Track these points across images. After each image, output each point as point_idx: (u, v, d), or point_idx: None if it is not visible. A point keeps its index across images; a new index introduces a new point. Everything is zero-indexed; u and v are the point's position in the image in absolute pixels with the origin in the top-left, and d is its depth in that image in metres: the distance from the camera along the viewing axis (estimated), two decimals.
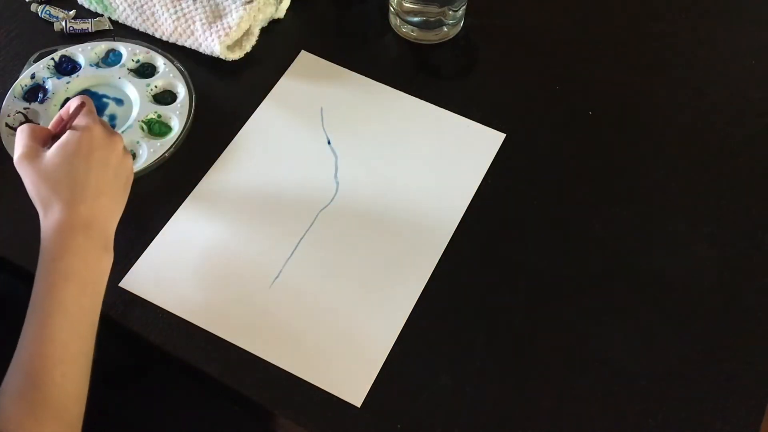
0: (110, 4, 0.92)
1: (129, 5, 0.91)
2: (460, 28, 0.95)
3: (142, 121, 0.85)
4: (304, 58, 0.92)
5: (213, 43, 0.88)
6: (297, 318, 0.75)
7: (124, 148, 0.73)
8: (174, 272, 0.77)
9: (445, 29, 0.93)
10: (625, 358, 0.74)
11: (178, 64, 0.88)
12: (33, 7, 0.94)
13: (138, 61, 0.89)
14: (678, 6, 1.00)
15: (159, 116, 0.85)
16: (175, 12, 0.89)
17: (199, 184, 0.83)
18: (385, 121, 0.88)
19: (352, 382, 0.72)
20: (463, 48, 0.95)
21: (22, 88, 0.86)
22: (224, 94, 0.90)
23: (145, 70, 0.89)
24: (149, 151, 0.82)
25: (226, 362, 0.72)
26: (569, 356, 0.74)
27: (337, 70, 0.91)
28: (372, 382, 0.72)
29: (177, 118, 0.85)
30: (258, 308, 0.75)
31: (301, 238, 0.79)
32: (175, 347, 0.73)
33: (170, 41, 0.91)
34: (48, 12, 0.93)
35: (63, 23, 0.92)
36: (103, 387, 0.67)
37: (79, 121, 0.71)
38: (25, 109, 0.84)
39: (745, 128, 0.89)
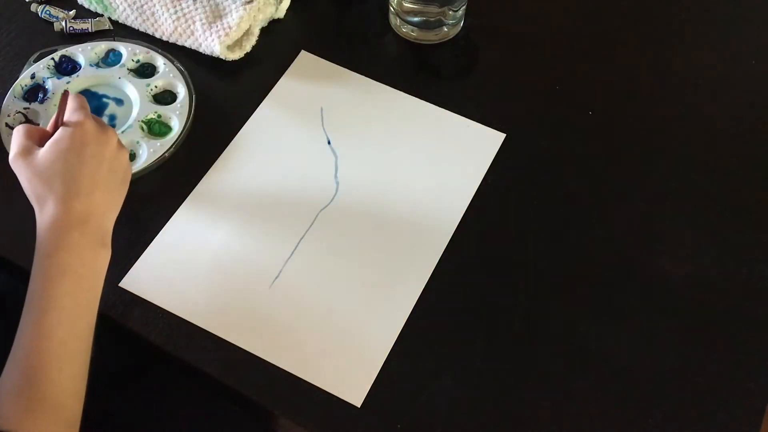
0: (110, 4, 0.92)
1: (129, 5, 0.91)
2: (460, 28, 0.95)
3: (142, 121, 0.85)
4: (304, 58, 0.92)
5: (213, 43, 0.88)
6: (297, 318, 0.75)
7: (119, 142, 0.73)
8: (174, 272, 0.77)
9: (445, 29, 0.93)
10: (625, 358, 0.74)
11: (178, 64, 0.88)
12: (33, 7, 0.94)
13: (138, 61, 0.89)
14: (678, 6, 1.00)
15: (159, 116, 0.85)
16: (175, 12, 0.89)
17: (199, 184, 0.83)
18: (385, 121, 0.88)
19: (352, 382, 0.72)
20: (463, 48, 0.95)
21: (22, 88, 0.86)
22: (224, 94, 0.90)
23: (145, 70, 0.89)
24: (149, 151, 0.82)
25: (226, 362, 0.72)
26: (569, 356, 0.74)
27: (337, 70, 0.91)
28: (372, 382, 0.72)
29: (177, 118, 0.85)
30: (258, 308, 0.75)
31: (301, 238, 0.79)
32: (175, 347, 0.73)
33: (170, 41, 0.91)
34: (48, 12, 0.93)
35: (63, 23, 0.92)
36: (103, 387, 0.67)
37: (71, 117, 0.71)
38: (25, 109, 0.84)
39: (746, 128, 0.89)
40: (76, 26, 0.92)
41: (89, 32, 0.92)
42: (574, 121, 0.89)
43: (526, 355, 0.74)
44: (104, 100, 0.87)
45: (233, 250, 0.78)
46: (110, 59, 0.89)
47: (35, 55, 0.88)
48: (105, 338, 0.69)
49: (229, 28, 0.88)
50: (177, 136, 0.84)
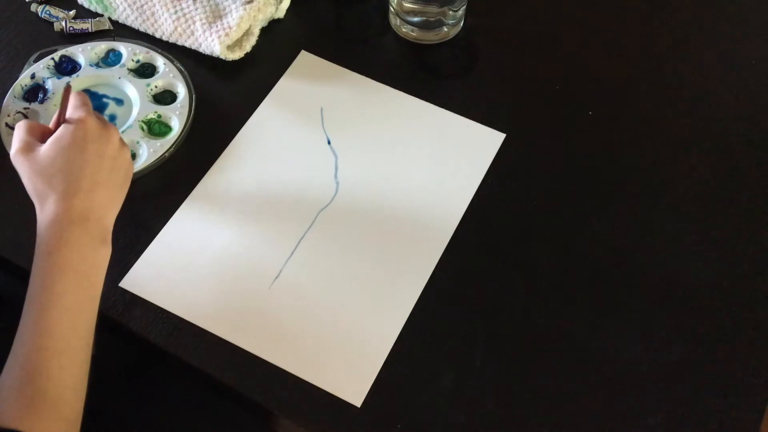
0: (110, 4, 0.92)
1: (129, 5, 0.91)
2: (460, 28, 0.95)
3: (142, 121, 0.85)
4: (304, 58, 0.92)
5: (213, 43, 0.88)
6: (297, 318, 0.75)
7: (121, 140, 0.73)
8: (174, 272, 0.77)
9: (445, 29, 0.93)
10: (626, 357, 0.74)
11: (178, 64, 0.88)
12: (33, 7, 0.94)
13: (138, 61, 0.89)
14: (679, 6, 1.00)
15: (159, 116, 0.85)
16: (175, 12, 0.89)
17: (199, 184, 0.83)
18: (385, 121, 0.88)
19: (352, 382, 0.72)
20: (463, 48, 0.95)
21: (22, 87, 0.86)
22: (224, 94, 0.90)
23: (145, 70, 0.89)
24: (149, 151, 0.82)
25: (226, 362, 0.72)
26: (569, 356, 0.74)
27: (337, 70, 0.91)
28: (372, 382, 0.72)
29: (177, 118, 0.85)
30: (258, 308, 0.75)
31: (301, 238, 0.79)
32: (175, 347, 0.73)
33: (170, 41, 0.91)
34: (48, 12, 0.93)
35: (63, 23, 0.92)
36: (103, 387, 0.67)
37: (73, 114, 0.71)
38: (25, 108, 0.84)
39: (746, 128, 0.89)
40: (76, 26, 0.92)
41: (89, 32, 0.92)
42: (574, 121, 0.89)
43: (525, 355, 0.74)
44: (104, 100, 0.87)
45: (233, 250, 0.78)
46: (110, 59, 0.89)
47: (35, 55, 0.88)
48: (105, 338, 0.69)
49: (229, 28, 0.88)
50: (177, 136, 0.84)
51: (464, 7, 0.92)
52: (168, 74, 0.88)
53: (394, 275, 0.77)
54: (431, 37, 0.94)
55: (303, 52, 0.93)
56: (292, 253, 0.78)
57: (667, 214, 0.83)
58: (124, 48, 0.89)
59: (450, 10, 0.91)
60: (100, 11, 0.93)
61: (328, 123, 0.87)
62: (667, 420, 0.71)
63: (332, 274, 0.78)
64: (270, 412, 0.71)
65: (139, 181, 0.81)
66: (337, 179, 0.83)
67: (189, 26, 0.89)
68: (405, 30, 0.94)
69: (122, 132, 0.83)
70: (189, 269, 0.77)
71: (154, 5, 0.90)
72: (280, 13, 0.95)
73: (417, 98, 0.89)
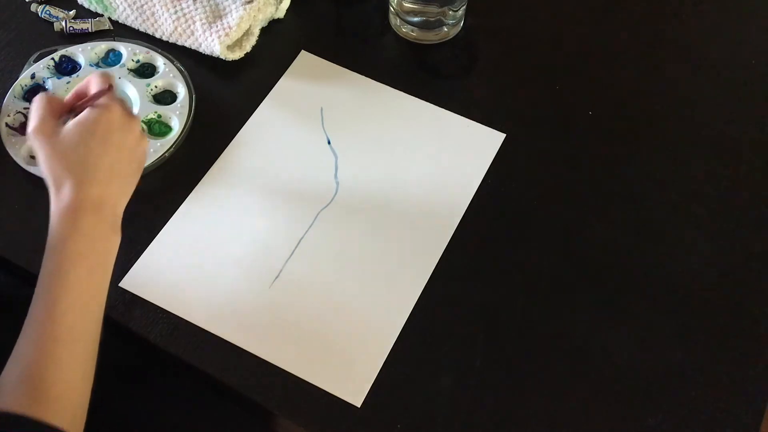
0: (110, 4, 0.92)
1: (129, 5, 0.91)
2: (460, 28, 0.95)
3: (143, 121, 0.85)
4: (304, 58, 0.92)
5: (213, 43, 0.88)
6: (297, 318, 0.75)
7: (142, 130, 0.73)
8: (174, 272, 0.77)
9: (445, 29, 0.93)
10: (625, 358, 0.74)
11: (178, 64, 0.88)
12: (33, 7, 0.94)
13: (138, 61, 0.89)
14: (679, 6, 1.00)
15: (159, 116, 0.85)
16: (175, 12, 0.89)
17: (199, 184, 0.83)
18: (385, 121, 0.88)
19: (352, 382, 0.72)
20: (463, 48, 0.95)
21: (22, 88, 0.86)
22: (224, 94, 0.90)
23: (145, 70, 0.89)
24: (149, 151, 0.82)
25: (226, 362, 0.72)
26: (569, 356, 0.74)
27: (337, 70, 0.91)
28: (372, 382, 0.72)
29: (177, 118, 0.85)
30: (258, 308, 0.75)
31: (301, 238, 0.79)
32: (175, 347, 0.73)
33: (170, 41, 0.91)
34: (48, 12, 0.93)
35: (63, 23, 0.92)
36: (103, 387, 0.67)
37: (99, 99, 0.70)
38: (25, 109, 0.84)
39: (746, 128, 0.89)
40: (76, 26, 0.92)
41: (89, 32, 0.92)
42: (574, 121, 0.89)
43: (525, 355, 0.74)
44: None
45: (233, 250, 0.78)
46: (110, 59, 0.89)
47: (35, 55, 0.88)
48: (105, 338, 0.69)
49: (229, 28, 0.88)
50: (177, 136, 0.84)
51: (464, 7, 0.92)
52: (168, 74, 0.88)
53: (394, 275, 0.77)
54: (431, 37, 0.94)
55: (303, 52, 0.93)
56: (292, 253, 0.78)
57: (667, 214, 0.83)
58: (124, 48, 0.89)
59: (450, 10, 0.91)
60: (100, 11, 0.93)
61: (328, 123, 0.87)
62: (667, 420, 0.71)
63: (332, 274, 0.78)
64: (270, 412, 0.71)
65: (140, 180, 0.81)
66: (337, 179, 0.83)
67: (189, 26, 0.89)
68: (405, 30, 0.94)
69: None
70: (189, 269, 0.77)
71: (154, 5, 0.90)
72: (280, 13, 0.95)
73: (417, 98, 0.89)
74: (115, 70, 0.88)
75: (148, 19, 0.91)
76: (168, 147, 0.83)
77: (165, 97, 0.87)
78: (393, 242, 0.80)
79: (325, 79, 0.90)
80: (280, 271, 0.77)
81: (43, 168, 0.68)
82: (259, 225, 0.80)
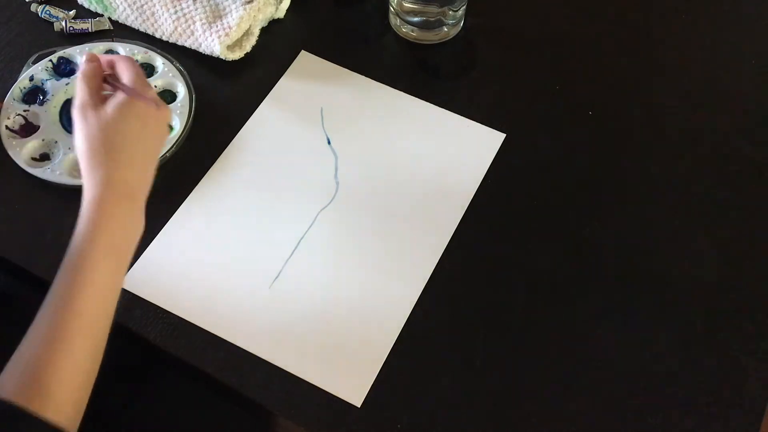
0: (110, 4, 0.92)
1: (129, 5, 0.91)
2: (460, 28, 0.95)
3: None
4: (304, 58, 0.92)
5: (213, 43, 0.88)
6: (297, 318, 0.75)
7: (170, 123, 0.73)
8: (174, 272, 0.77)
9: (445, 29, 0.93)
10: (626, 358, 0.74)
11: (177, 64, 0.88)
12: (33, 7, 0.94)
13: (137, 62, 0.89)
14: (679, 6, 1.00)
15: None
16: (175, 12, 0.89)
17: (199, 184, 0.83)
18: (385, 121, 0.88)
19: (352, 382, 0.72)
20: (463, 48, 0.95)
21: (21, 90, 0.86)
22: (224, 94, 0.90)
23: (144, 70, 0.88)
24: None
25: (226, 362, 0.72)
26: (569, 356, 0.74)
27: (337, 70, 0.91)
28: (372, 382, 0.72)
29: (177, 117, 0.85)
30: (258, 308, 0.75)
31: (301, 238, 0.79)
32: (175, 347, 0.73)
33: (170, 41, 0.91)
34: (48, 12, 0.93)
35: (63, 23, 0.92)
36: (103, 387, 0.67)
37: (137, 85, 0.70)
38: (24, 111, 0.84)
39: (746, 128, 0.89)
40: (76, 26, 0.92)
41: (89, 32, 0.92)
42: (574, 121, 0.89)
43: (525, 355, 0.74)
44: None
45: (233, 250, 0.78)
46: None
47: (33, 57, 0.88)
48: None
49: (229, 28, 0.88)
50: (178, 136, 0.84)
51: (464, 7, 0.92)
52: (167, 74, 0.88)
53: (394, 275, 0.77)
54: (431, 37, 0.94)
55: (303, 52, 0.93)
56: (292, 253, 0.78)
57: (667, 214, 0.83)
58: (122, 48, 0.89)
59: (450, 10, 0.91)
60: (100, 11, 0.93)
61: (328, 123, 0.87)
62: (667, 420, 0.71)
63: (332, 274, 0.78)
64: (270, 412, 0.71)
65: None
66: (337, 179, 0.83)
67: (189, 26, 0.89)
68: (405, 30, 0.94)
69: None
70: (189, 269, 0.77)
71: (154, 5, 0.90)
72: (280, 13, 0.95)
73: (417, 98, 0.89)
74: None
75: (148, 19, 0.91)
76: (169, 146, 0.83)
77: (165, 97, 0.87)
78: (393, 242, 0.80)
79: (325, 79, 0.91)
80: (280, 271, 0.77)
81: (81, 142, 0.67)
82: (259, 225, 0.80)
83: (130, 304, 0.75)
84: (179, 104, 0.86)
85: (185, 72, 0.88)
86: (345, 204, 0.82)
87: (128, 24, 0.92)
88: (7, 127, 0.83)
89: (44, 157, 0.82)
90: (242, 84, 0.90)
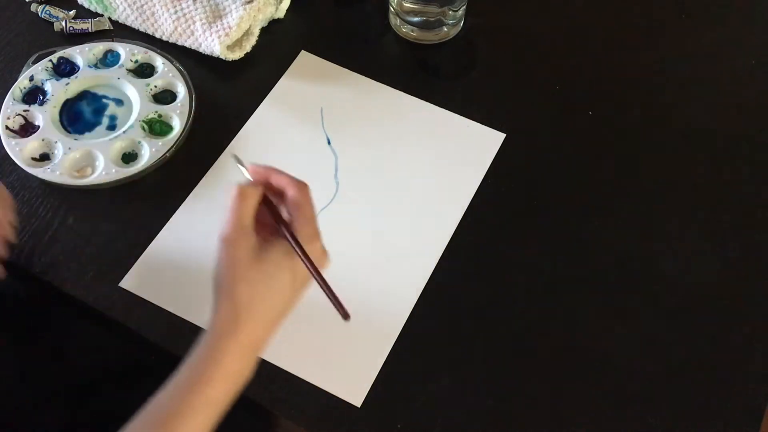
0: (110, 4, 0.92)
1: (129, 5, 0.91)
2: (460, 28, 0.95)
3: (143, 121, 0.85)
4: (304, 58, 0.92)
5: (213, 43, 0.88)
6: (297, 318, 0.75)
7: None
8: (174, 272, 0.77)
9: (445, 29, 0.93)
10: (625, 358, 0.74)
11: (177, 64, 0.88)
12: (33, 7, 0.94)
13: (136, 62, 0.89)
14: (679, 6, 1.00)
15: (160, 116, 0.85)
16: (175, 12, 0.89)
17: (199, 184, 0.82)
18: (385, 121, 0.88)
19: (352, 382, 0.72)
20: (463, 48, 0.95)
21: (21, 90, 0.86)
22: (224, 94, 0.90)
23: (144, 70, 0.89)
24: (151, 151, 0.82)
25: None
26: (569, 356, 0.74)
27: (337, 70, 0.91)
28: (372, 382, 0.72)
29: (178, 117, 0.85)
30: None
31: None
32: (175, 347, 0.73)
33: (170, 41, 0.91)
34: (48, 12, 0.93)
35: (63, 23, 0.92)
36: (104, 387, 0.67)
37: (307, 235, 0.63)
38: (24, 111, 0.84)
39: (746, 128, 0.89)
40: (76, 26, 0.92)
41: (89, 32, 0.92)
42: (574, 121, 0.89)
43: (525, 355, 0.74)
44: (104, 101, 0.87)
45: None
46: (108, 60, 0.89)
47: (33, 57, 0.88)
48: (105, 338, 0.69)
49: (229, 28, 0.88)
50: (178, 135, 0.84)
51: (464, 7, 0.92)
52: (167, 74, 0.88)
53: (394, 275, 0.77)
54: (431, 37, 0.94)
55: (303, 52, 0.93)
56: None
57: (667, 214, 0.83)
58: (122, 48, 0.89)
59: (450, 10, 0.91)
60: (100, 11, 0.93)
61: (328, 123, 0.87)
62: (667, 420, 0.71)
63: (332, 273, 0.77)
64: (270, 412, 0.71)
65: (140, 181, 0.81)
66: (337, 179, 0.83)
67: (189, 26, 0.89)
68: (405, 30, 0.94)
69: (123, 132, 0.83)
70: (189, 269, 0.77)
71: (154, 5, 0.90)
72: (280, 13, 0.95)
73: (417, 98, 0.89)
74: (113, 71, 0.88)
75: (148, 19, 0.91)
76: (170, 146, 0.83)
77: (165, 97, 0.87)
78: (392, 242, 0.79)
79: (325, 79, 0.90)
80: None
81: (222, 283, 0.62)
82: None
83: (130, 304, 0.75)
84: (179, 104, 0.86)
85: (185, 72, 0.88)
86: (345, 204, 0.82)
87: (128, 24, 0.92)
88: (7, 127, 0.83)
89: (44, 157, 0.82)
90: (242, 84, 0.90)
